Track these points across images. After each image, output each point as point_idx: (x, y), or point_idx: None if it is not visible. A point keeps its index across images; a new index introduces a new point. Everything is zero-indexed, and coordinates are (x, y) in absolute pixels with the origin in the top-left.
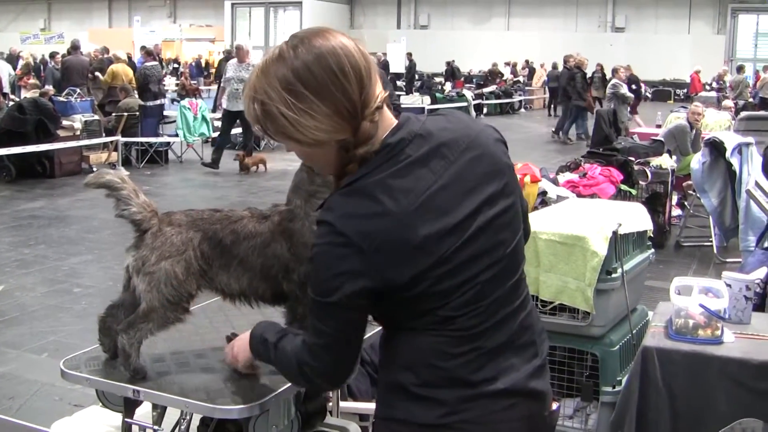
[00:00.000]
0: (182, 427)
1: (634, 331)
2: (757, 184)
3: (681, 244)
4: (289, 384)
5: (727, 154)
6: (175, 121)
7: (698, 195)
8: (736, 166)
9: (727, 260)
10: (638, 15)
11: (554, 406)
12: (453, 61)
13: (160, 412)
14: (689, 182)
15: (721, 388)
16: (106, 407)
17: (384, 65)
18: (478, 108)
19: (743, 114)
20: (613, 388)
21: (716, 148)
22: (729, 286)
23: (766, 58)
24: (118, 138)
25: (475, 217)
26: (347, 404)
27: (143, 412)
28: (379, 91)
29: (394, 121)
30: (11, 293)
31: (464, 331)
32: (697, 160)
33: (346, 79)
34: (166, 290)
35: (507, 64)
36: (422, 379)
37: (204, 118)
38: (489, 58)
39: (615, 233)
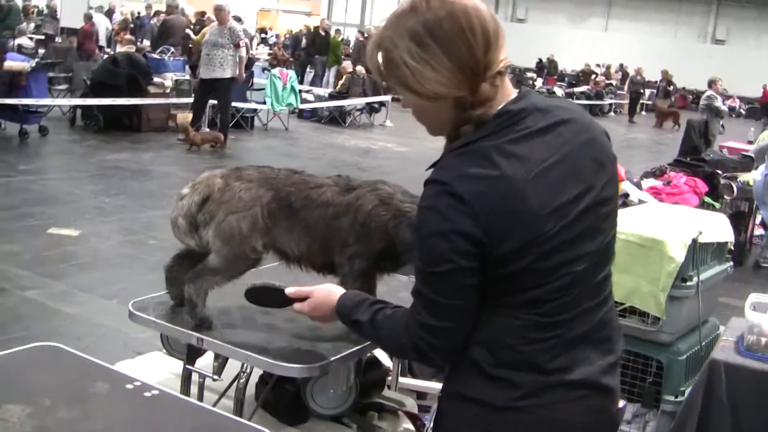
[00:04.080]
0: (241, 380)
1: (703, 343)
2: None
3: (760, 264)
4: (352, 349)
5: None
6: (263, 89)
7: (759, 207)
8: None
9: None
10: (739, 27)
11: (621, 404)
12: (552, 55)
13: (221, 362)
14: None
15: None
16: (168, 353)
17: None
18: None
19: None
20: (676, 397)
21: None
22: None
23: None
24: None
25: (582, 200)
26: (406, 380)
27: (203, 364)
28: (503, 57)
29: (514, 92)
30: (88, 239)
31: (549, 317)
32: (759, 173)
33: (474, 37)
34: (232, 244)
35: (599, 65)
36: (499, 359)
37: (293, 89)
38: (583, 58)
39: (695, 241)
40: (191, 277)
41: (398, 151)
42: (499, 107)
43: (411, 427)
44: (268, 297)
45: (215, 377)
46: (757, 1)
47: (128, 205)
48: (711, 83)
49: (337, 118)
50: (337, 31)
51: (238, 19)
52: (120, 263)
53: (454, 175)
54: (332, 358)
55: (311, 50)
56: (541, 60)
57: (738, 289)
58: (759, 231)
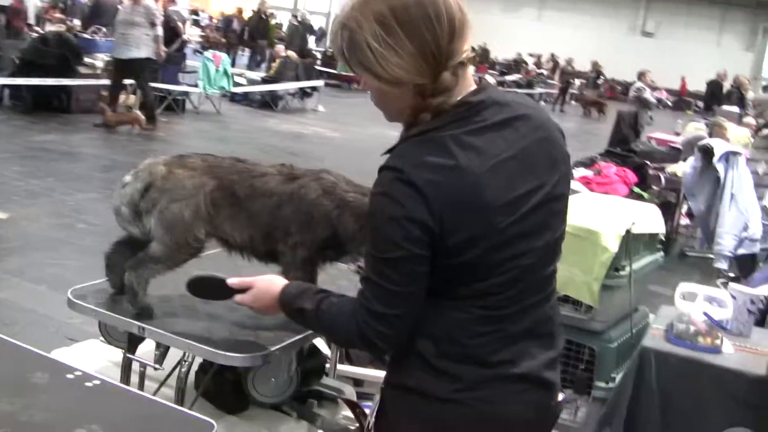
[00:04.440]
0: (183, 370)
1: (633, 331)
2: None
3: (685, 254)
4: (294, 338)
5: (714, 159)
6: (194, 72)
7: (687, 199)
8: (721, 173)
9: (732, 274)
10: (670, 22)
11: (560, 397)
12: (484, 43)
13: (162, 351)
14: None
15: (714, 396)
16: (107, 342)
17: None
18: None
19: (766, 131)
20: (607, 383)
21: (707, 154)
22: (734, 297)
23: None
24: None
25: (534, 196)
26: (344, 367)
27: (142, 351)
28: (467, 49)
29: (474, 84)
30: (16, 222)
31: (494, 311)
32: (689, 164)
33: (439, 25)
34: (174, 232)
35: (531, 55)
36: (442, 351)
37: (225, 72)
38: (515, 47)
39: (628, 231)
40: (132, 265)
41: (330, 136)
42: (459, 98)
43: (350, 414)
44: (210, 289)
45: (157, 366)
46: None
47: (56, 187)
48: (640, 75)
49: (269, 102)
50: (271, 14)
51: (171, 0)
52: (49, 247)
53: (410, 163)
54: (275, 347)
55: (255, 34)
56: (473, 48)
57: (664, 277)
58: (684, 221)
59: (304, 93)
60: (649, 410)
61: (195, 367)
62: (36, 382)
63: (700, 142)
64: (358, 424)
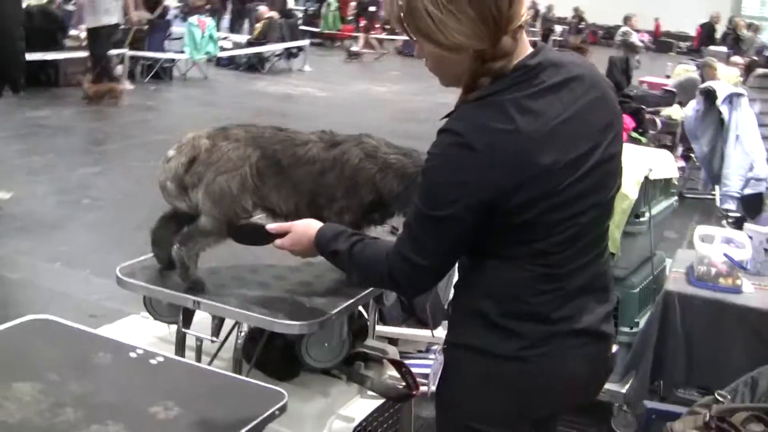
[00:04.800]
0: (239, 341)
1: (654, 275)
2: None
3: (684, 195)
4: (348, 302)
5: (718, 102)
6: (180, 38)
7: (690, 141)
8: (725, 115)
9: (729, 213)
10: None
11: (614, 349)
12: None
13: (217, 323)
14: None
15: (738, 336)
16: (153, 317)
17: None
18: None
19: (760, 71)
20: (631, 329)
21: (709, 96)
22: (750, 238)
23: None
24: (125, 51)
25: (591, 156)
26: (381, 328)
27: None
28: (524, 11)
29: (529, 46)
30: (21, 201)
31: (554, 268)
32: (691, 107)
33: None
34: (222, 205)
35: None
36: (505, 309)
37: (211, 37)
38: None
39: (646, 178)
40: (182, 240)
41: (319, 96)
42: (516, 61)
43: (395, 373)
44: (251, 235)
45: (213, 339)
46: None
47: (57, 163)
48: (626, 19)
49: (255, 65)
50: None
51: None
52: (57, 225)
53: (469, 126)
54: (331, 312)
55: None
56: None
57: (668, 220)
58: (680, 163)
59: (289, 54)
60: (675, 352)
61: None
62: (101, 363)
63: (701, 85)
64: (404, 383)
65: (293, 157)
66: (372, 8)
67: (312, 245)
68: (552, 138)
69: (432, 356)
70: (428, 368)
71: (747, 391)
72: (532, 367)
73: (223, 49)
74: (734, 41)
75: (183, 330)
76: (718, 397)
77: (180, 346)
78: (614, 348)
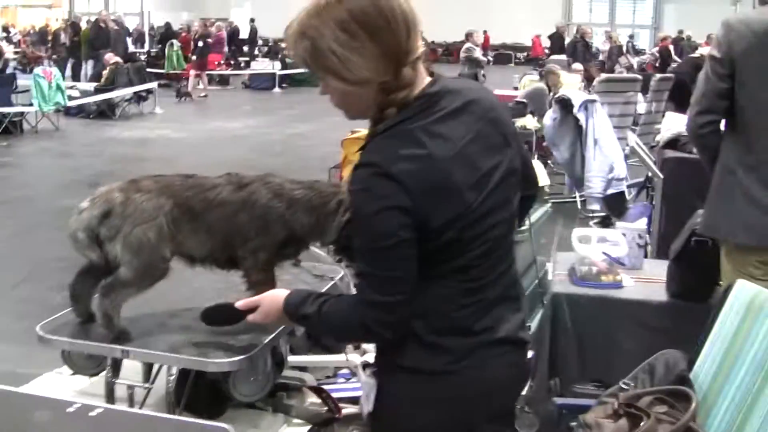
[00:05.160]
0: (170, 384)
1: (538, 278)
2: (636, 143)
3: (545, 201)
4: (271, 337)
5: (575, 110)
6: (26, 91)
7: (551, 149)
8: (582, 121)
9: (591, 214)
10: None
11: (530, 354)
12: None
13: (146, 370)
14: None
15: (624, 327)
16: (74, 371)
17: (235, 31)
18: None
19: (604, 76)
20: None
21: (565, 105)
22: (624, 235)
23: (600, 22)
24: None
25: (494, 173)
26: (292, 358)
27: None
28: (420, 43)
29: (426, 76)
30: None
31: (473, 282)
32: (548, 117)
33: (397, 24)
34: (142, 255)
35: None
36: (432, 327)
37: (59, 87)
38: None
39: None
40: (104, 292)
41: (176, 137)
42: (417, 91)
43: (317, 399)
44: (222, 315)
45: (147, 385)
46: None
47: None
48: (468, 35)
49: (106, 111)
50: (88, 22)
51: None
52: None
53: (385, 156)
54: (256, 348)
55: (96, 44)
56: None
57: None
58: None
59: (139, 97)
60: (567, 350)
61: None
62: (41, 422)
63: (550, 93)
64: (326, 407)
65: (204, 201)
66: (200, 43)
67: (281, 314)
68: (460, 159)
69: (341, 380)
70: (343, 392)
71: (647, 378)
72: (460, 379)
73: (71, 98)
74: (584, 47)
75: (112, 380)
76: (623, 386)
77: (110, 396)
78: (529, 353)
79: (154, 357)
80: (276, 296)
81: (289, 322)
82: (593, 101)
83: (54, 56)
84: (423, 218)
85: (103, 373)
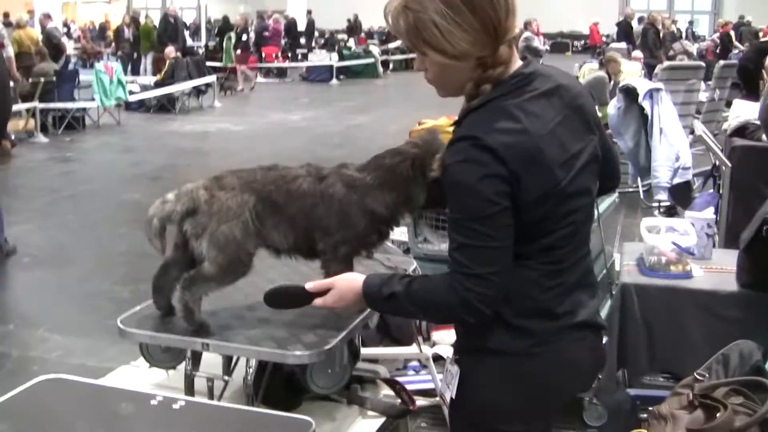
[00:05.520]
0: (249, 376)
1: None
2: (704, 132)
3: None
4: (349, 328)
5: (640, 98)
6: (88, 86)
7: (614, 138)
8: (648, 110)
9: (653, 204)
10: None
11: (604, 339)
12: (356, 15)
13: (226, 362)
14: (609, 131)
15: (694, 317)
16: (151, 364)
17: (292, 23)
18: (385, 64)
19: (666, 64)
20: None
21: (629, 93)
22: (692, 224)
23: (659, 9)
24: (36, 104)
25: (580, 156)
26: (364, 350)
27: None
28: (517, 24)
29: (519, 59)
30: None
31: (557, 264)
32: (613, 106)
33: (498, 2)
34: (228, 252)
35: None
36: (517, 309)
37: (120, 82)
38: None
39: None
40: (185, 285)
41: (236, 130)
42: (512, 70)
43: (390, 392)
44: (288, 298)
45: (226, 378)
46: None
47: None
48: (527, 24)
49: (166, 105)
50: (147, 16)
51: (48, 17)
52: (2, 286)
53: (482, 129)
54: (335, 340)
55: (164, 38)
56: (350, 20)
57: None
58: None
59: (198, 91)
60: (636, 341)
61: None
62: (126, 413)
63: (619, 83)
64: (400, 399)
65: (287, 194)
66: (244, 37)
67: (358, 298)
68: (552, 137)
69: (410, 372)
70: (414, 383)
71: (720, 369)
72: (544, 362)
73: (132, 93)
74: (656, 35)
75: (195, 373)
76: (698, 377)
77: (189, 389)
78: (605, 339)
79: (234, 350)
80: (353, 278)
81: (363, 305)
82: (659, 89)
83: (119, 52)
84: (519, 190)
85: (180, 366)
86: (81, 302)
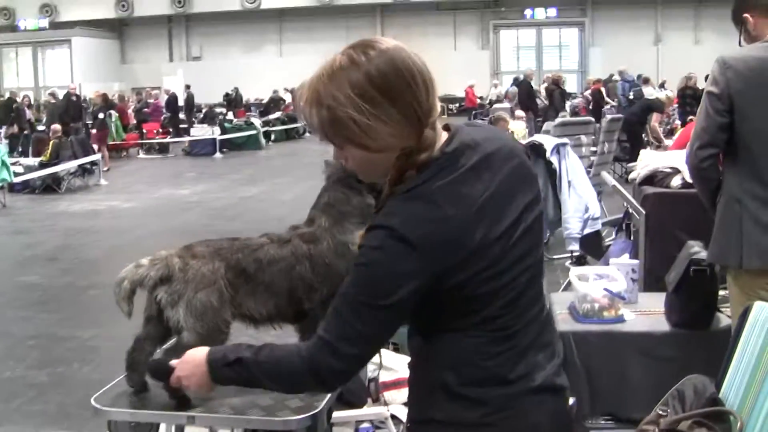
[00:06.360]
0: None
1: None
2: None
3: None
4: (329, 395)
5: (547, 154)
6: None
7: None
8: (555, 164)
9: (554, 257)
10: (407, 34)
11: (571, 401)
12: (237, 89)
13: None
14: None
15: (631, 359)
16: None
17: (172, 99)
18: (266, 135)
19: (559, 120)
20: None
21: (535, 150)
22: (618, 270)
23: (526, 70)
24: None
25: (518, 223)
26: (339, 413)
27: None
28: (437, 100)
29: (443, 132)
30: None
31: (503, 330)
32: None
33: (416, 85)
34: (206, 319)
35: (287, 89)
36: (464, 378)
37: (4, 163)
38: (265, 85)
39: None
40: (170, 356)
41: (126, 207)
42: (437, 150)
43: None
44: (161, 371)
45: None
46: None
47: None
48: None
49: (51, 186)
50: (21, 96)
51: None
52: None
53: (402, 220)
54: (322, 404)
55: (65, 117)
56: (228, 94)
57: None
58: None
59: (84, 170)
60: (577, 386)
61: None
62: None
63: (527, 141)
64: None
65: (257, 261)
66: (101, 115)
67: (200, 369)
68: (480, 217)
69: None
70: None
71: (677, 404)
72: (502, 430)
73: (16, 174)
74: (561, 95)
75: None
76: (660, 412)
77: None
78: (570, 400)
79: (222, 420)
80: (200, 348)
81: (205, 379)
82: (564, 144)
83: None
84: (441, 278)
85: None
86: None
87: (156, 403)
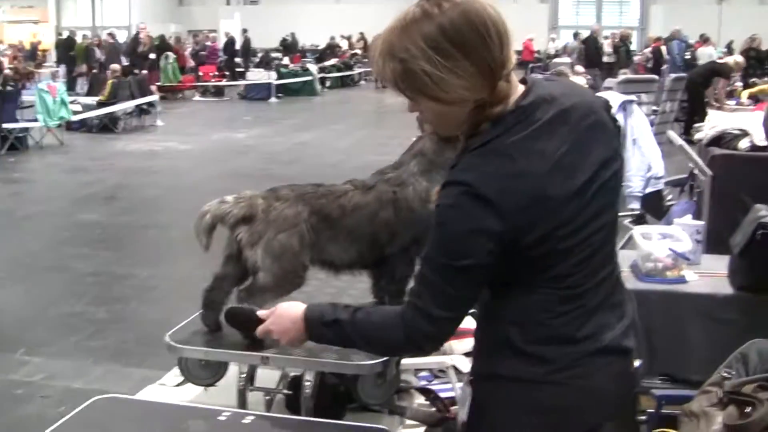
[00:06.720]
0: (306, 390)
1: None
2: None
3: None
4: None
5: (613, 110)
6: (30, 106)
7: None
8: (621, 121)
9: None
10: None
11: (636, 363)
12: (293, 34)
13: (283, 376)
14: None
15: (692, 321)
16: (189, 380)
17: (231, 42)
18: (322, 81)
19: (622, 77)
20: None
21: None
22: (683, 231)
23: (586, 25)
24: None
25: (594, 180)
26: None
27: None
28: (513, 54)
29: (520, 85)
30: None
31: (573, 289)
32: None
33: (490, 38)
34: (284, 261)
35: (343, 36)
36: (530, 335)
37: (63, 101)
38: (322, 32)
39: None
40: (242, 298)
41: (183, 149)
42: (512, 103)
43: (424, 400)
44: (243, 320)
45: (286, 391)
46: None
47: None
48: None
49: (108, 125)
50: (84, 36)
51: None
52: None
53: (477, 176)
54: None
55: (132, 57)
56: (286, 39)
57: None
58: None
59: (141, 110)
60: (637, 346)
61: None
62: (197, 431)
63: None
64: (435, 408)
65: (340, 208)
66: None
67: (298, 322)
68: (556, 172)
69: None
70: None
71: (741, 367)
72: (562, 389)
73: (74, 112)
74: (626, 53)
75: (251, 388)
76: (725, 374)
77: (242, 404)
78: (636, 362)
79: (295, 362)
80: (294, 304)
81: (302, 335)
82: (631, 101)
83: (91, 71)
84: (517, 235)
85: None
86: (56, 325)
87: (230, 342)
